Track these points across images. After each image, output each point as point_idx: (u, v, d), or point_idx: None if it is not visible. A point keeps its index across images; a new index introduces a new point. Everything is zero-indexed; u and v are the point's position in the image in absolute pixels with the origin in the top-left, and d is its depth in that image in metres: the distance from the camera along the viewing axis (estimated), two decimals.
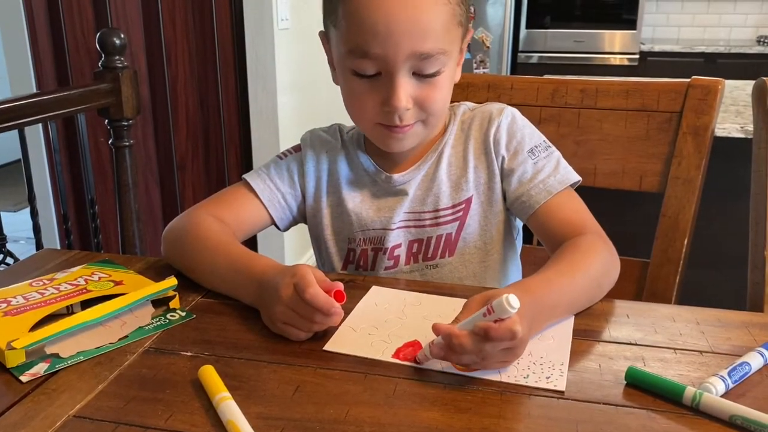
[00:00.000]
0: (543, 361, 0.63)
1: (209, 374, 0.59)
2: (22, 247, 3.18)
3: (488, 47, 4.21)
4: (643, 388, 0.59)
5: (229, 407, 0.54)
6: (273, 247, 2.62)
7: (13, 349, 0.62)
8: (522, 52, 4.29)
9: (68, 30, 2.47)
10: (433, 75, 0.79)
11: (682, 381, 0.59)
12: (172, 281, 0.75)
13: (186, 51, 2.55)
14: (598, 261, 0.76)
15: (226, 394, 0.56)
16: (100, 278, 0.79)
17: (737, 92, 2.06)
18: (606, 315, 0.73)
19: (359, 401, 0.57)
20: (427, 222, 0.90)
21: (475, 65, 4.24)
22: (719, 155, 1.13)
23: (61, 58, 2.50)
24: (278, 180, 0.93)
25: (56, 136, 1.82)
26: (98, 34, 1.59)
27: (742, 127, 1.61)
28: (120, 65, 1.61)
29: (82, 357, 0.64)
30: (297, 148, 0.96)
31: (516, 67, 4.30)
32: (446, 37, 0.78)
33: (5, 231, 1.76)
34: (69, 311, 0.72)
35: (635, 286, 1.06)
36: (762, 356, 0.62)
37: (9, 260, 1.78)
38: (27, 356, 0.63)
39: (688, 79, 1.02)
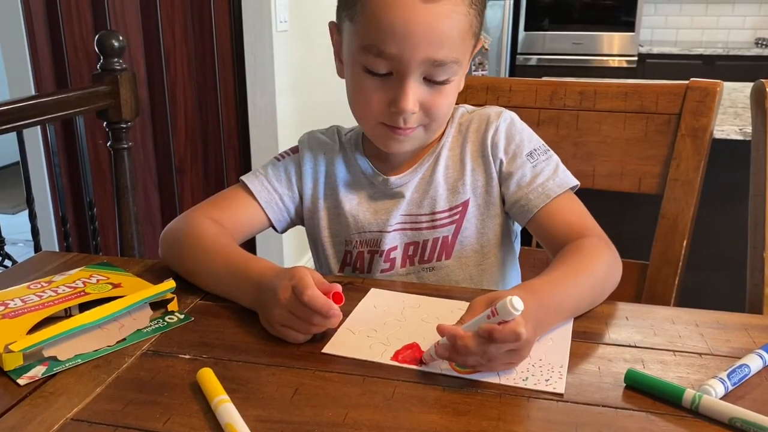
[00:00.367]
0: (542, 363, 0.63)
1: (207, 377, 0.59)
2: (20, 249, 3.17)
3: (487, 49, 4.21)
4: (643, 391, 0.59)
5: (228, 410, 0.54)
6: (272, 249, 2.62)
7: (11, 352, 0.62)
8: (520, 54, 4.30)
9: (67, 33, 2.47)
10: (443, 82, 0.79)
11: (682, 383, 0.59)
12: (170, 284, 0.74)
13: (185, 54, 2.55)
14: (601, 263, 0.76)
15: (225, 396, 0.56)
16: (98, 281, 0.79)
17: (736, 94, 2.06)
18: (605, 317, 0.73)
19: (358, 404, 0.57)
20: (424, 225, 0.89)
21: (473, 67, 4.24)
22: (718, 157, 1.13)
23: (60, 61, 2.50)
24: (276, 182, 0.93)
25: (55, 139, 1.82)
26: (97, 36, 1.59)
27: (740, 129, 1.61)
28: (119, 67, 1.61)
29: (80, 360, 0.64)
30: (295, 150, 0.96)
31: (515, 70, 4.31)
32: (461, 47, 0.78)
33: (3, 233, 1.75)
34: (67, 314, 0.72)
35: (634, 288, 1.06)
36: (761, 358, 0.62)
37: (7, 263, 1.77)
38: (24, 359, 0.63)
39: (687, 81, 1.02)
